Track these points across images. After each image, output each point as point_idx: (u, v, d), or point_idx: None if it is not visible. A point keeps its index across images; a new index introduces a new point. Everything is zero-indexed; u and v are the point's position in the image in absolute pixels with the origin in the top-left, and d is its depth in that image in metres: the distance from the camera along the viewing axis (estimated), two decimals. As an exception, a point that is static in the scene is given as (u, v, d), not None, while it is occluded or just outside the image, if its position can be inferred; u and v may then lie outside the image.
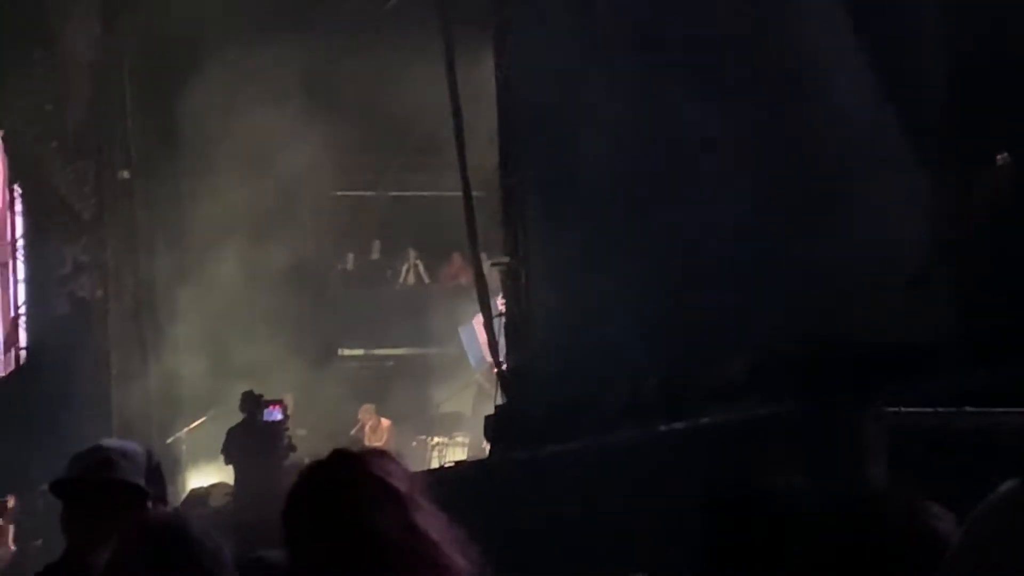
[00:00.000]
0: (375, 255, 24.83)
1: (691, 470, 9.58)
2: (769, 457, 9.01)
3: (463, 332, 21.69)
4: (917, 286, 9.68)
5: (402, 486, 2.87)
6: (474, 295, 16.20)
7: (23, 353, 23.48)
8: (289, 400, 18.97)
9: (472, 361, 21.42)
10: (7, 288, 23.21)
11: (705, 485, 4.11)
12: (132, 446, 4.25)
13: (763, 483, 3.93)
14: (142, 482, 4.07)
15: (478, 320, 17.83)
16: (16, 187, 23.11)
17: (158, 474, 4.15)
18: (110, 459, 4.08)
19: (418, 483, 2.94)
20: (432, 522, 2.84)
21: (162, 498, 4.16)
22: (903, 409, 8.00)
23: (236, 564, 3.43)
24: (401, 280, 24.73)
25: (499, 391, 14.94)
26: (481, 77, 15.69)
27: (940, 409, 7.93)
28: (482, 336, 17.13)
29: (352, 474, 2.86)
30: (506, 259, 15.01)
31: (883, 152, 10.25)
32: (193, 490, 19.21)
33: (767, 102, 11.22)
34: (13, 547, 20.37)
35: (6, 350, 23.68)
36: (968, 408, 8.03)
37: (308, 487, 2.90)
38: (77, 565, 4.01)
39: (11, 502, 21.05)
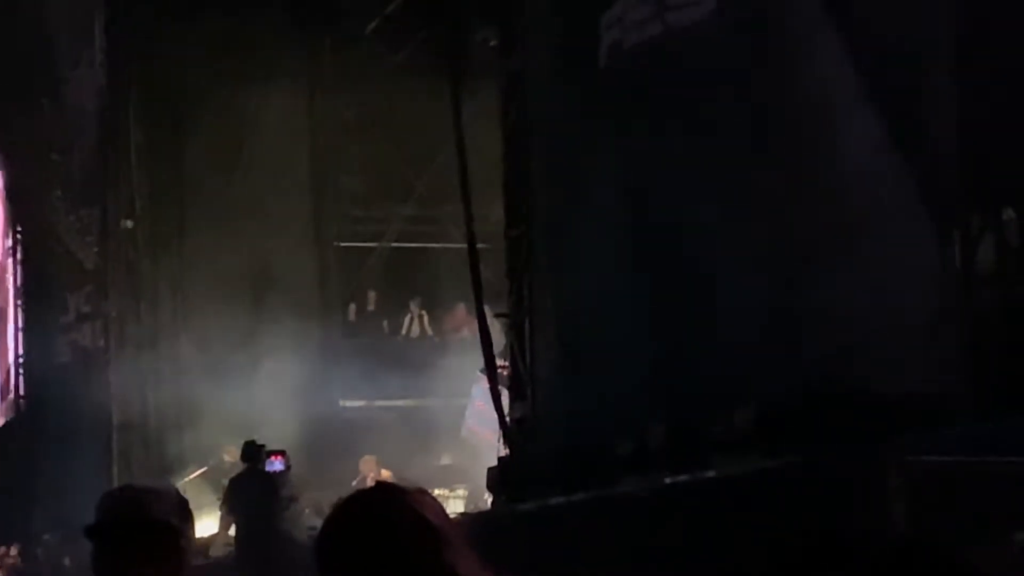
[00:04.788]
0: (371, 307, 24.79)
1: (696, 523, 9.52)
2: (775, 510, 8.95)
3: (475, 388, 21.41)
4: (925, 337, 9.64)
5: (437, 522, 2.85)
6: (478, 347, 16.12)
7: (22, 402, 23.39)
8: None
9: (467, 415, 21.15)
10: (5, 336, 23.13)
11: (709, 538, 4.07)
12: (160, 485, 4.25)
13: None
14: (175, 521, 4.04)
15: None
16: (18, 234, 23.08)
17: (187, 512, 4.14)
18: (141, 499, 4.07)
19: (453, 521, 2.89)
20: (463, 561, 2.83)
21: (190, 537, 4.14)
22: (924, 457, 7.94)
23: None
24: (404, 331, 24.68)
25: (502, 443, 14.86)
26: (487, 128, 15.68)
27: (961, 458, 7.87)
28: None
29: (388, 506, 2.84)
30: (510, 311, 14.94)
31: (891, 203, 10.22)
32: (193, 540, 19.10)
33: (774, 153, 11.20)
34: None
35: (3, 398, 23.60)
36: (987, 457, 7.97)
37: (344, 517, 2.87)
38: None
39: (11, 552, 20.91)
